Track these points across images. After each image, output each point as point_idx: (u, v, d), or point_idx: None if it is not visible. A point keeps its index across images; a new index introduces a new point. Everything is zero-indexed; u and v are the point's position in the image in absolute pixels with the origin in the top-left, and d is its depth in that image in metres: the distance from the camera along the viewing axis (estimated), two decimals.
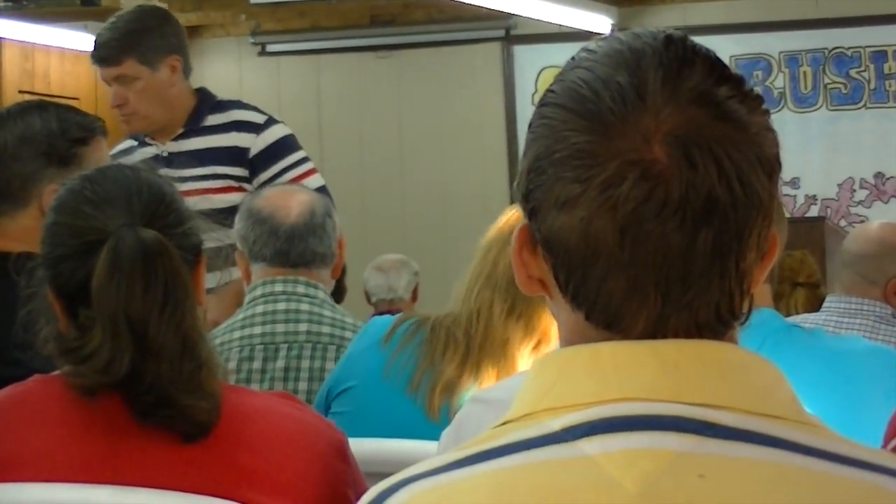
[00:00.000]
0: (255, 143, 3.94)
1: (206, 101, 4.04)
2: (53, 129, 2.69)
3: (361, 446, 2.08)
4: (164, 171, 2.07)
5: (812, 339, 2.37)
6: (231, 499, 1.82)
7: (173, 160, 3.80)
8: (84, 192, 1.91)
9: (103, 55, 3.93)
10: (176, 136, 3.98)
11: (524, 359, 2.33)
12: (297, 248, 3.03)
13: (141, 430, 1.83)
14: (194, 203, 2.00)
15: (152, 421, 1.83)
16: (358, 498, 1.16)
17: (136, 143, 4.07)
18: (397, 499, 1.09)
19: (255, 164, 3.91)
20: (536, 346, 2.33)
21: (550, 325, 2.32)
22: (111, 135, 2.94)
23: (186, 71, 4.00)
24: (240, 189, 3.83)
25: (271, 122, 4.01)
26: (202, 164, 3.82)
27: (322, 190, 3.74)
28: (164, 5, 5.34)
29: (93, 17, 6.49)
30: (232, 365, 2.96)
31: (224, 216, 2.49)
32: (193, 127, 3.98)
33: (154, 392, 1.81)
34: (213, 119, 3.99)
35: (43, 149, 2.67)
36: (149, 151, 3.97)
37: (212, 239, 2.02)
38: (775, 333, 2.28)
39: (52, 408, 1.87)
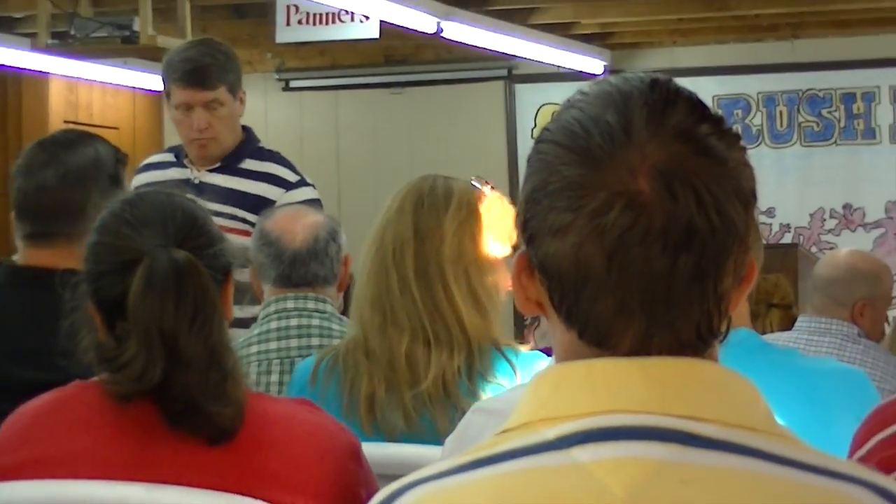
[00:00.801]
0: (281, 199, 3.81)
1: (249, 143, 3.94)
2: (113, 156, 2.67)
3: (373, 450, 2.08)
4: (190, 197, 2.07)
5: (785, 358, 2.36)
6: (253, 496, 1.82)
7: (204, 189, 3.70)
8: (124, 214, 1.92)
9: (203, 78, 3.80)
10: (212, 167, 3.88)
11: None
12: (299, 272, 3.02)
13: (171, 433, 1.83)
14: None
15: (181, 426, 1.83)
16: (370, 497, 1.16)
17: (174, 158, 3.97)
18: (405, 500, 1.10)
19: None
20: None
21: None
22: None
23: None
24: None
25: (302, 183, 3.90)
26: (226, 202, 3.70)
27: None
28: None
29: (132, 54, 6.49)
30: (251, 378, 2.95)
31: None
32: (230, 165, 3.88)
33: (183, 399, 1.81)
34: (250, 164, 3.89)
35: (112, 172, 2.63)
36: (182, 173, 3.89)
37: (238, 273, 2.02)
38: (751, 351, 2.28)
39: (91, 411, 1.87)
